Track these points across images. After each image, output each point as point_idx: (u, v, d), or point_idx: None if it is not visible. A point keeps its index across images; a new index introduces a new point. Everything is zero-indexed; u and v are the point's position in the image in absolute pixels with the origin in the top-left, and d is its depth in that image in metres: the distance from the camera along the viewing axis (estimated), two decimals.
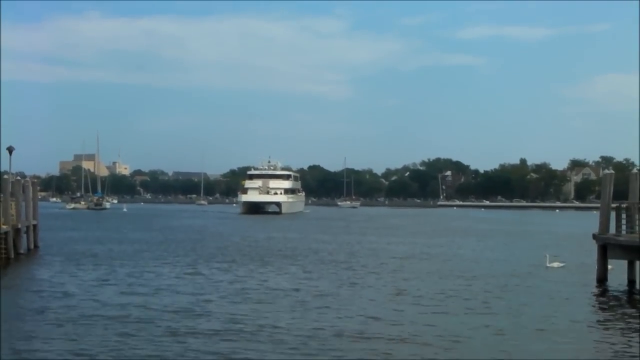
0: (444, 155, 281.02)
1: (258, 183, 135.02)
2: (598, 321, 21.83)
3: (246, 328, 19.33)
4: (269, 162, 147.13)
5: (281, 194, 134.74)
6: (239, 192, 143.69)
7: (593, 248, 30.66)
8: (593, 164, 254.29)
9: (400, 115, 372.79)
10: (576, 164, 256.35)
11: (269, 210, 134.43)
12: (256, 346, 17.32)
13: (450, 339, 18.17)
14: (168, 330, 18.95)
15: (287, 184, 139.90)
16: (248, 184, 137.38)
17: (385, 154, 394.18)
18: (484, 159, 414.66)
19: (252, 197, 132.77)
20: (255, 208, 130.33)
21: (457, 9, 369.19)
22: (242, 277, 31.26)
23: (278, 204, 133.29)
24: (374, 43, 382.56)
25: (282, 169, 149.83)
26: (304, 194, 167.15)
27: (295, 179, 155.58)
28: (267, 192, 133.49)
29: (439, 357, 16.60)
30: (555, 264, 35.28)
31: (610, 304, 25.25)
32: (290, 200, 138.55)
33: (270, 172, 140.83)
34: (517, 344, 17.95)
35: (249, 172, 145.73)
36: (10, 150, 51.40)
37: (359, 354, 16.64)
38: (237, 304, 23.74)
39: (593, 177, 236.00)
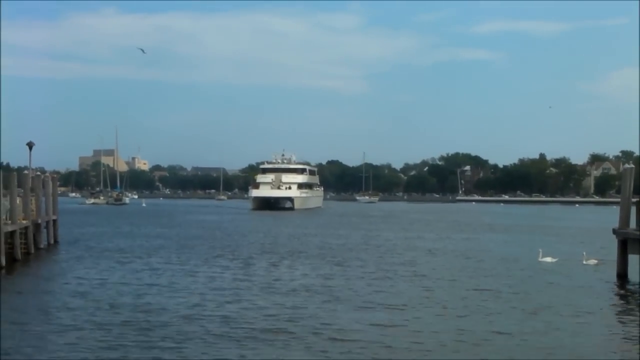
0: (462, 150, 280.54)
1: (271, 177, 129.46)
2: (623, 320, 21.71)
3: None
4: (283, 155, 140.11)
5: (295, 188, 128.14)
6: (250, 187, 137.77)
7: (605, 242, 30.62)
8: (613, 158, 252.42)
9: (417, 111, 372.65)
10: (596, 159, 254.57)
11: (285, 206, 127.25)
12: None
13: (470, 340, 18.12)
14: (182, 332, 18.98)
15: (300, 178, 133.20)
16: (260, 178, 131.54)
17: (403, 149, 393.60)
18: (502, 154, 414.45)
19: (263, 192, 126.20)
20: (267, 203, 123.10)
21: (472, 4, 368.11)
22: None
23: (290, 199, 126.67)
24: (388, 39, 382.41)
25: (298, 162, 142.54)
26: (321, 188, 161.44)
27: (312, 173, 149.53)
28: (279, 187, 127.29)
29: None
30: (548, 259, 35.57)
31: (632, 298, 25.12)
32: (304, 195, 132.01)
33: (283, 166, 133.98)
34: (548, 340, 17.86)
35: (261, 166, 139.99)
36: (30, 145, 51.83)
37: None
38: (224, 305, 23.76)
39: (613, 171, 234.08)
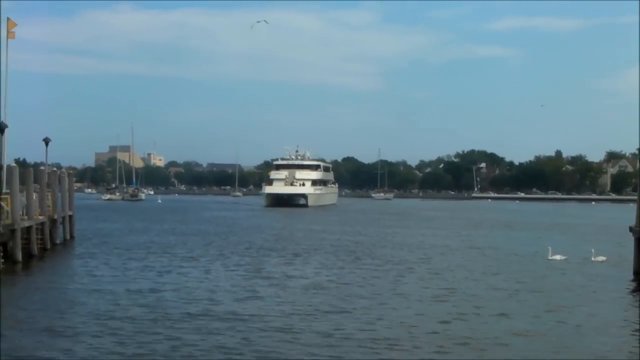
0: (478, 147, 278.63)
1: (284, 173, 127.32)
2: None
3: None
4: (297, 151, 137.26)
5: (309, 185, 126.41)
6: (263, 184, 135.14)
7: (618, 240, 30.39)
8: (630, 155, 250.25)
9: (432, 107, 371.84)
10: (612, 156, 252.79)
11: (299, 202, 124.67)
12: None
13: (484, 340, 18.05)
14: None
15: (314, 175, 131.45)
16: (274, 174, 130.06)
17: (419, 145, 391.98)
18: (518, 151, 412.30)
19: (276, 188, 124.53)
20: (280, 200, 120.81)
21: (487, 1, 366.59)
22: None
23: (304, 196, 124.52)
24: (403, 35, 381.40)
25: (313, 159, 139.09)
26: (336, 185, 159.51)
27: (326, 169, 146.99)
28: (292, 184, 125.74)
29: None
30: (558, 257, 35.58)
31: None
32: (318, 192, 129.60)
33: (297, 162, 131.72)
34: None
35: (275, 163, 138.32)
36: (46, 141, 52.11)
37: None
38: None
39: (630, 169, 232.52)
